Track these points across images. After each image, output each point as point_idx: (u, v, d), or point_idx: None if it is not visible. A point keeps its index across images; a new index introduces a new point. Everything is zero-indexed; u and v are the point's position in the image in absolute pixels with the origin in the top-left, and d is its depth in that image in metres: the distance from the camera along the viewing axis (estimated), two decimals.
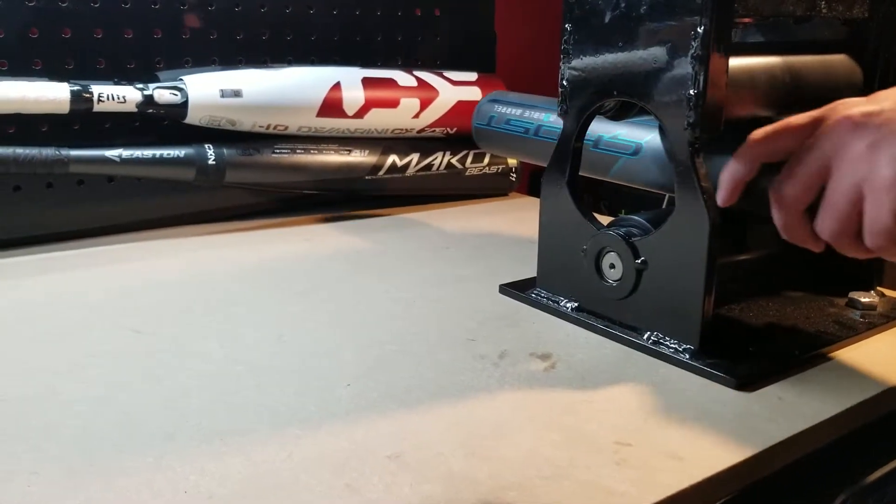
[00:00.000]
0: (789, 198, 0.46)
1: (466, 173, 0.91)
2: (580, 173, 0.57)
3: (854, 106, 0.45)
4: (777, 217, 0.48)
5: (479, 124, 0.76)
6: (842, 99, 0.46)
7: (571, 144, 0.55)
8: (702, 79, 0.46)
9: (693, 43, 0.46)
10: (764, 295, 0.59)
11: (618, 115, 0.54)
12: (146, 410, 0.43)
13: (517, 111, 0.71)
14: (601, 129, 0.59)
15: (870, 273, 0.60)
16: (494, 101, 0.75)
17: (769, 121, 0.52)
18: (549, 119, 0.67)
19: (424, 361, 0.49)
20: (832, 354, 0.51)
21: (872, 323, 0.55)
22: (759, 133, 0.49)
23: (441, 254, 0.73)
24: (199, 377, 0.47)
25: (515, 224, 0.84)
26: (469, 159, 0.91)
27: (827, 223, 0.45)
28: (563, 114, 0.55)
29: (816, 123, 0.46)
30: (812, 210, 0.46)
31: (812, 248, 0.48)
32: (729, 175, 0.49)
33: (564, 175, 0.56)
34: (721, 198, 0.49)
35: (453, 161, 0.89)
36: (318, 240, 0.77)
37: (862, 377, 0.49)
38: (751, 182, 0.49)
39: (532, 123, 0.69)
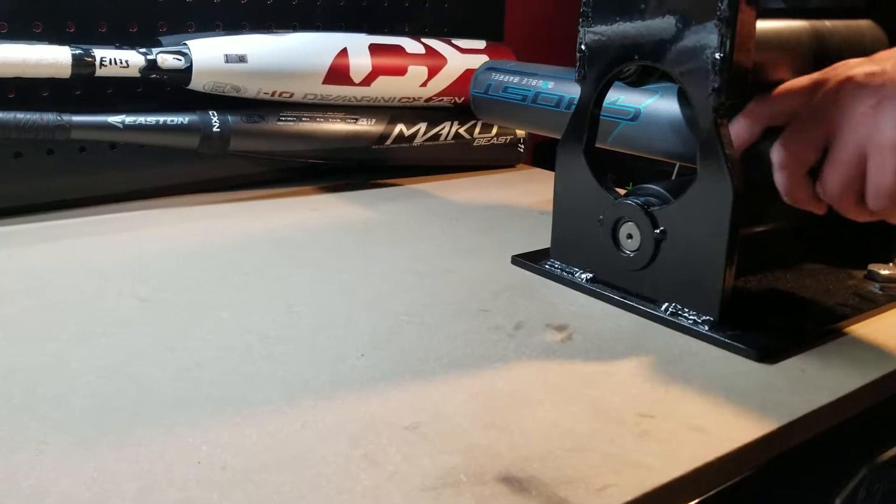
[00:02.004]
0: (791, 159, 0.46)
1: (474, 144, 0.89)
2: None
3: (856, 66, 0.45)
4: (779, 179, 0.47)
5: (477, 92, 0.75)
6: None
7: (589, 111, 0.54)
8: (728, 42, 0.45)
9: (720, 4, 0.45)
10: (782, 267, 0.58)
11: (638, 80, 0.52)
12: (157, 380, 0.42)
13: (514, 79, 0.71)
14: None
15: (889, 245, 0.59)
16: (492, 69, 0.74)
17: None
18: (548, 86, 0.66)
19: (439, 332, 0.48)
20: (853, 327, 0.50)
21: (892, 296, 0.54)
22: (760, 97, 0.48)
23: (451, 225, 0.72)
24: (210, 347, 0.46)
25: (524, 195, 0.82)
26: (477, 129, 0.89)
27: (829, 185, 0.45)
28: (581, 79, 0.54)
29: (819, 85, 0.46)
30: (814, 172, 0.46)
31: (814, 210, 0.48)
32: (732, 136, 0.48)
33: (581, 143, 0.55)
34: None
35: (461, 131, 0.88)
36: (326, 210, 0.76)
37: (884, 350, 0.48)
38: (753, 146, 0.49)
39: (530, 90, 0.68)
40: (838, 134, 0.44)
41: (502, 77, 0.72)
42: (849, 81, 0.44)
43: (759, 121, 0.48)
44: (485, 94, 0.73)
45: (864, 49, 0.54)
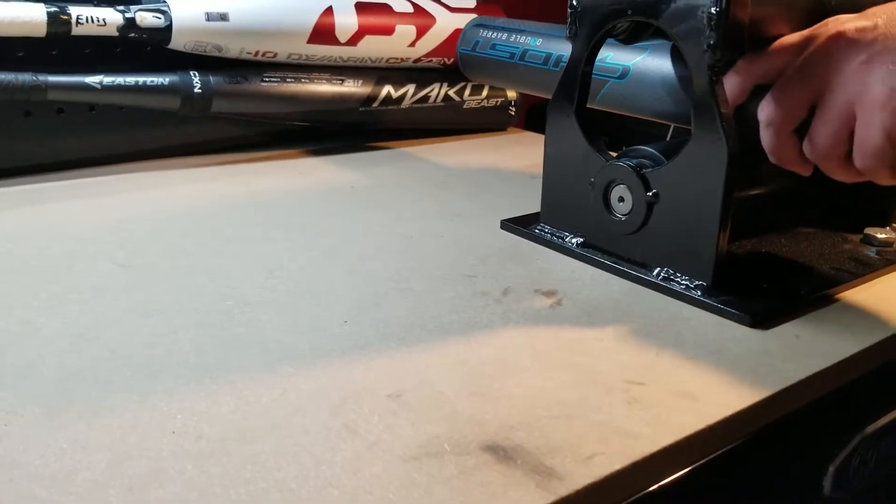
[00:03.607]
0: (778, 117, 0.45)
1: (464, 106, 0.87)
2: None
3: (847, 22, 0.43)
4: (765, 138, 0.46)
5: (464, 50, 0.73)
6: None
7: (580, 70, 0.52)
8: None
9: None
10: (776, 231, 0.57)
11: (630, 38, 0.50)
12: (131, 347, 0.40)
13: (503, 35, 0.69)
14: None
15: (886, 209, 0.58)
16: (480, 25, 0.72)
17: None
18: (536, 43, 0.65)
19: (424, 298, 0.47)
20: (848, 292, 0.49)
21: (889, 260, 0.53)
22: (749, 55, 0.47)
23: (439, 189, 0.70)
24: (187, 313, 0.44)
25: (515, 159, 0.81)
26: (467, 91, 0.87)
27: (816, 143, 0.44)
28: (572, 37, 0.52)
29: (808, 41, 0.44)
30: (801, 132, 0.45)
31: (800, 171, 0.47)
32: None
33: (572, 103, 0.53)
34: None
35: (451, 93, 0.86)
36: (311, 173, 0.74)
37: (879, 316, 0.47)
38: (741, 105, 0.47)
39: (518, 48, 0.66)
40: (827, 91, 0.43)
41: (490, 34, 0.70)
42: (839, 37, 0.42)
43: (748, 78, 0.47)
44: (472, 52, 0.72)
45: (863, 3, 0.52)
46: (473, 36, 0.72)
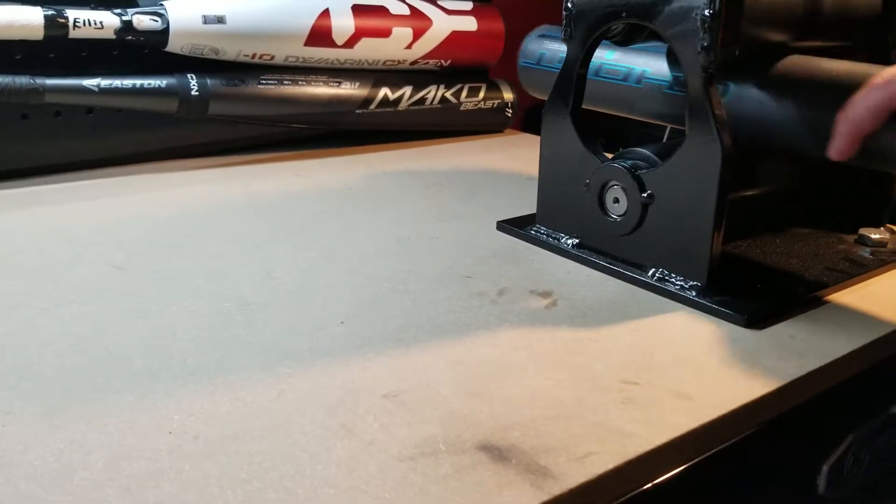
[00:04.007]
0: None
1: (461, 108, 0.88)
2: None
3: None
4: None
5: (528, 63, 0.66)
6: (880, 24, 0.42)
7: (576, 71, 0.52)
8: None
9: None
10: (771, 231, 0.57)
11: (625, 39, 0.51)
12: (130, 348, 0.40)
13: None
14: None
15: (879, 209, 0.58)
16: (544, 36, 0.65)
17: (785, 46, 0.50)
18: (612, 57, 0.58)
19: (421, 299, 0.47)
20: (843, 292, 0.50)
21: (883, 260, 0.53)
22: (889, 73, 0.41)
23: (436, 191, 0.70)
24: (185, 315, 0.44)
25: (512, 161, 0.81)
26: (464, 93, 0.87)
27: None
28: (567, 38, 0.52)
29: None
30: None
31: None
32: (849, 123, 0.42)
33: (568, 105, 0.53)
34: (837, 150, 0.42)
35: (447, 95, 0.86)
36: (309, 175, 0.74)
37: (873, 315, 0.47)
38: (876, 134, 0.42)
39: (593, 62, 0.57)
40: None
41: (558, 46, 0.63)
42: None
43: (886, 104, 0.41)
44: (537, 66, 0.65)
45: (855, 7, 0.52)
46: (537, 48, 0.65)
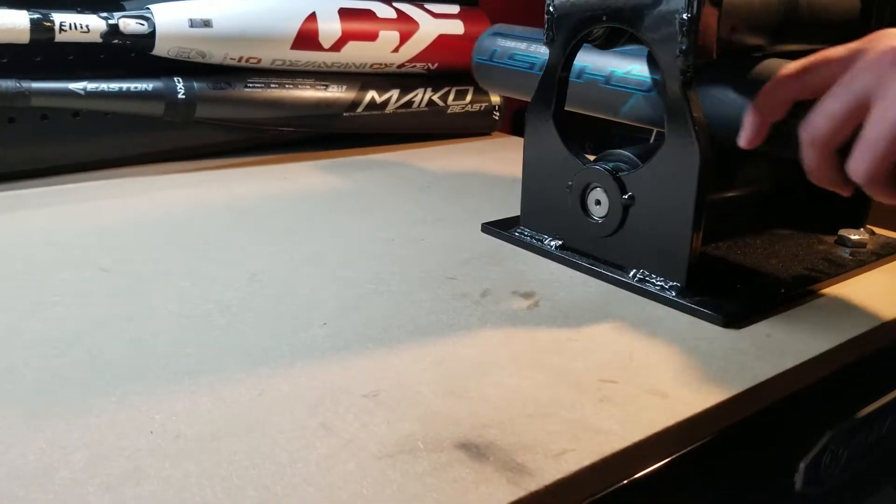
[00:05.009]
0: (821, 137, 0.42)
1: (448, 111, 0.88)
2: (586, 112, 0.54)
3: None
4: (807, 158, 0.44)
5: (481, 59, 0.69)
6: (856, 29, 0.43)
7: (557, 75, 0.53)
8: (695, 2, 0.44)
9: None
10: (752, 232, 0.58)
11: (606, 43, 0.51)
12: (112, 350, 0.41)
13: (522, 45, 0.65)
14: (613, 63, 0.56)
15: (859, 210, 0.59)
16: (497, 34, 0.69)
17: (762, 50, 0.50)
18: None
19: (404, 300, 0.48)
20: (821, 292, 0.50)
21: (862, 260, 0.54)
22: (791, 68, 0.44)
23: (422, 193, 0.71)
24: (168, 317, 0.45)
25: (498, 164, 0.82)
26: (451, 97, 0.88)
27: (861, 164, 0.41)
28: (549, 42, 0.53)
29: (855, 56, 0.42)
30: (844, 152, 0.42)
31: (842, 192, 0.45)
32: (756, 115, 0.45)
33: (550, 108, 0.54)
34: (745, 139, 0.45)
35: (435, 98, 0.87)
36: (295, 179, 0.74)
37: (851, 315, 0.48)
38: (780, 123, 0.45)
39: (538, 58, 0.63)
40: (873, 110, 0.40)
41: (508, 43, 0.67)
42: (889, 52, 0.40)
43: (788, 94, 0.44)
44: (489, 62, 0.68)
45: (836, 10, 0.53)
46: (490, 45, 0.68)
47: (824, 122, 0.42)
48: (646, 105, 0.55)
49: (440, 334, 0.44)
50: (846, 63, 0.42)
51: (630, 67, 0.56)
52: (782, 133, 0.45)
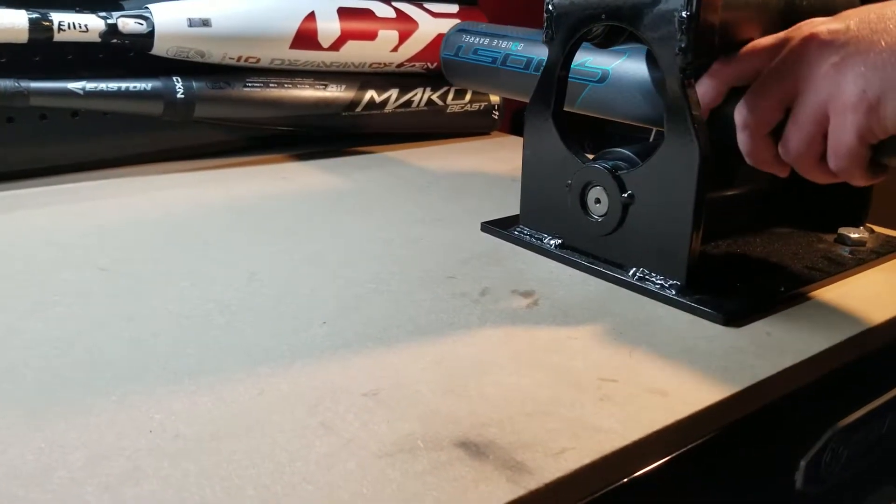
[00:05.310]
0: (753, 120, 0.45)
1: (447, 111, 0.88)
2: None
3: (820, 24, 0.44)
4: (741, 141, 0.47)
5: (447, 55, 0.74)
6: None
7: (557, 74, 0.53)
8: (695, 1, 0.44)
9: None
10: (751, 231, 0.58)
11: (606, 41, 0.51)
12: (112, 350, 0.41)
13: (485, 40, 0.69)
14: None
15: (859, 209, 0.59)
16: (463, 30, 0.73)
17: None
18: (518, 48, 0.65)
19: (403, 300, 0.48)
20: (821, 291, 0.50)
21: (862, 259, 0.54)
22: (724, 57, 0.47)
23: (421, 193, 0.71)
24: (168, 316, 0.45)
25: (497, 163, 0.82)
26: (450, 96, 0.88)
27: (791, 145, 0.44)
28: (548, 41, 0.53)
29: (783, 44, 0.45)
30: (777, 133, 0.45)
31: (777, 172, 0.47)
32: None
33: (549, 107, 0.54)
34: None
35: (434, 97, 0.87)
36: (294, 178, 0.74)
37: (850, 314, 0.47)
38: (717, 108, 0.48)
39: (499, 52, 0.67)
40: (800, 93, 0.44)
41: (473, 39, 0.71)
42: (812, 39, 0.43)
43: (723, 81, 0.47)
44: (455, 57, 0.72)
45: (835, 7, 0.53)
46: (456, 41, 0.73)
47: (755, 106, 0.45)
48: (599, 96, 0.57)
49: (440, 333, 0.44)
50: (774, 51, 0.45)
51: (583, 59, 0.57)
52: (719, 118, 0.48)
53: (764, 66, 0.46)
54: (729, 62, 0.47)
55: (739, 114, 0.46)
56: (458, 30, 0.74)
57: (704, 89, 0.48)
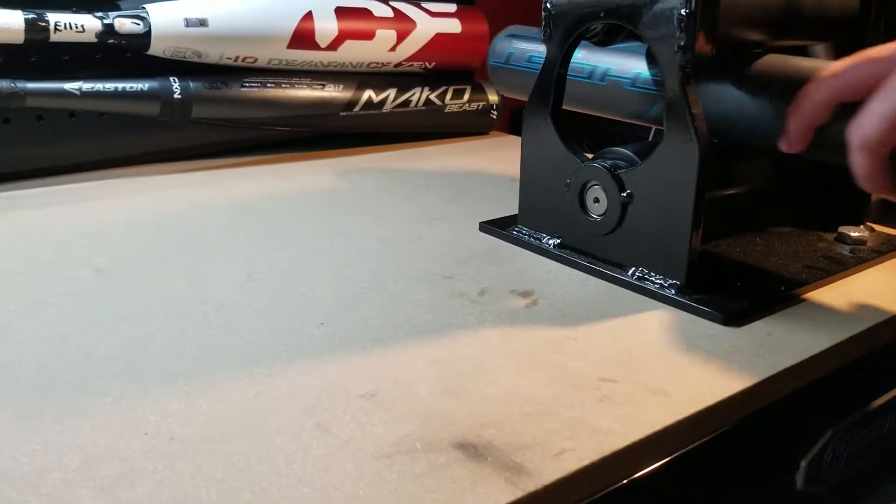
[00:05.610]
0: (873, 141, 0.40)
1: (446, 110, 0.88)
2: (612, 117, 0.54)
3: None
4: (857, 163, 0.41)
5: (496, 62, 0.67)
6: (856, 24, 0.43)
7: (555, 72, 0.52)
8: None
9: None
10: (751, 230, 0.58)
11: (604, 40, 0.51)
12: (107, 350, 0.40)
13: (540, 47, 0.62)
14: (642, 66, 0.56)
15: (859, 208, 0.58)
16: (513, 36, 0.67)
17: (761, 45, 0.50)
18: (577, 56, 0.58)
19: (401, 300, 0.47)
20: (822, 290, 0.50)
21: (862, 258, 0.54)
22: (832, 67, 0.42)
23: (420, 193, 0.70)
24: (164, 316, 0.44)
25: (496, 163, 0.81)
26: (448, 96, 0.88)
27: None
28: (546, 39, 0.52)
29: None
30: None
31: (893, 198, 0.42)
32: (798, 118, 0.43)
33: (548, 105, 0.53)
34: (788, 142, 0.44)
35: (432, 97, 0.86)
36: (292, 178, 0.74)
37: (851, 312, 0.47)
38: (823, 127, 0.44)
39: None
40: None
41: (526, 45, 0.65)
42: None
43: (831, 96, 0.42)
44: (506, 65, 0.66)
45: (834, 7, 0.53)
46: (506, 47, 0.67)
47: (876, 125, 0.40)
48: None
49: (438, 333, 0.43)
50: (892, 62, 0.40)
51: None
52: (828, 137, 0.43)
53: (879, 78, 0.40)
54: (839, 73, 0.42)
55: (855, 133, 0.41)
56: (508, 35, 0.68)
57: (811, 103, 0.43)
